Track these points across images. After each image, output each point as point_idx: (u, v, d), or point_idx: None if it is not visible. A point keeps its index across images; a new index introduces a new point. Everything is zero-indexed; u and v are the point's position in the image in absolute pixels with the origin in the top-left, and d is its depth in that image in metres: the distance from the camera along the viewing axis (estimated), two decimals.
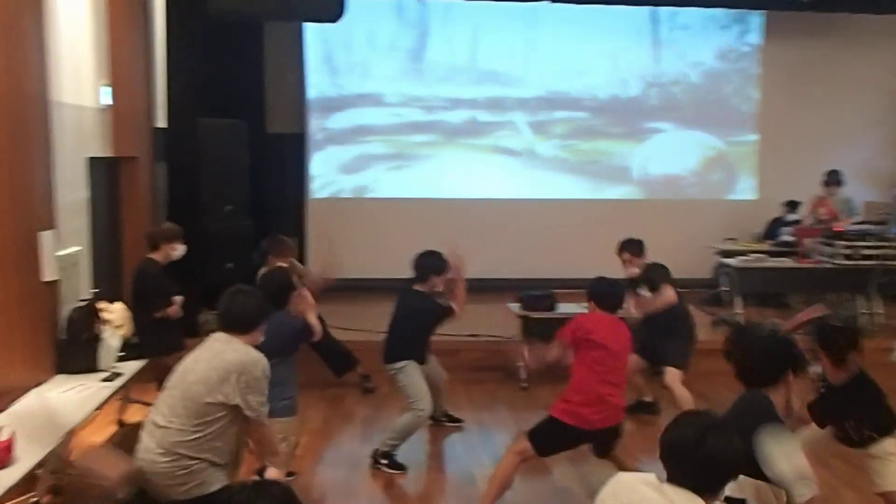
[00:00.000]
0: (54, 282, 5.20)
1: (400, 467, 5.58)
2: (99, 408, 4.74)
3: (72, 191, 5.97)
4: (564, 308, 7.44)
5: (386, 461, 5.59)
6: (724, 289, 9.29)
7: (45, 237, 5.04)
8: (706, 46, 11.12)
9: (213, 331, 3.76)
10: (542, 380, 7.17)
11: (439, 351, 6.37)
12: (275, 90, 10.20)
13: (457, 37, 10.69)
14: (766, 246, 9.79)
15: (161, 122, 8.10)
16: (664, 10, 10.81)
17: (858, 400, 4.17)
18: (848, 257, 8.64)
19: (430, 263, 5.83)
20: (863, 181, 10.73)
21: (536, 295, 7.67)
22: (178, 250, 5.92)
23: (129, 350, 5.53)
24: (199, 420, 3.49)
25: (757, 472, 3.12)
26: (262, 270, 6.13)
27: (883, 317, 8.90)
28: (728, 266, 9.12)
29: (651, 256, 6.81)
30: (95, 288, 6.24)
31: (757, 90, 11.22)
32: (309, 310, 4.74)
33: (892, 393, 4.31)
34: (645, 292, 6.37)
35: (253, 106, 9.68)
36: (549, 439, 4.68)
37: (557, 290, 7.85)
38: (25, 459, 3.70)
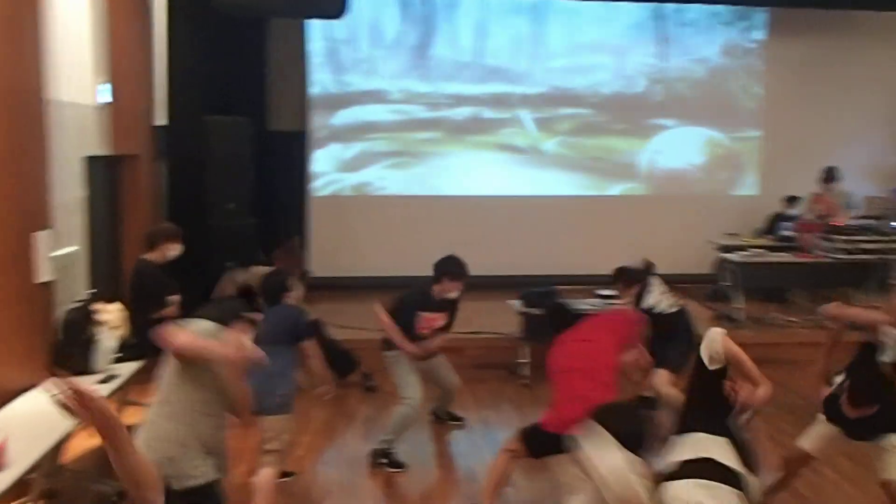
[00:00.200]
0: (49, 282, 5.16)
1: (400, 465, 5.56)
2: None
3: (69, 190, 5.95)
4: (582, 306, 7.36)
5: (385, 459, 5.57)
6: (725, 284, 9.27)
7: (40, 237, 5.00)
8: (711, 43, 11.10)
9: None
10: (545, 377, 7.12)
11: (442, 349, 6.34)
12: (277, 87, 10.18)
13: (461, 33, 10.68)
14: (766, 241, 9.79)
15: (162, 119, 8.08)
16: (669, 7, 10.79)
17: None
18: (847, 252, 8.64)
19: (446, 266, 5.68)
20: (864, 177, 10.73)
21: (537, 292, 7.63)
22: (175, 250, 5.91)
23: (126, 351, 5.49)
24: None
25: None
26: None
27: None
28: (729, 261, 9.11)
29: (654, 252, 6.79)
30: (93, 288, 6.22)
31: (760, 86, 11.18)
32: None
33: None
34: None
35: (255, 103, 9.65)
36: (540, 443, 4.66)
37: (560, 287, 7.81)
38: (19, 463, 3.66)
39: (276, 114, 10.17)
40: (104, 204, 6.97)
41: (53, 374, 4.45)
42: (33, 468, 3.83)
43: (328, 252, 10.16)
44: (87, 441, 5.29)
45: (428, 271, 5.66)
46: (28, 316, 4.92)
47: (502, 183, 10.79)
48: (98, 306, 5.46)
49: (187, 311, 6.17)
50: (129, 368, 5.35)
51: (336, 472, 5.54)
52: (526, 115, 10.86)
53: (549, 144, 10.93)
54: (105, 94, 6.78)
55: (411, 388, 5.65)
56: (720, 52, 11.13)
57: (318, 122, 10.51)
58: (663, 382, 6.17)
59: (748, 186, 11.33)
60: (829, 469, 5.33)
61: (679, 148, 11.18)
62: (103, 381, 5.01)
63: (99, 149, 6.70)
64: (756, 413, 3.70)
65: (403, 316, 5.67)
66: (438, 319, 5.75)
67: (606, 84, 10.96)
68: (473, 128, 10.76)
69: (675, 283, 6.74)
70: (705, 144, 11.26)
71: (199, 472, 3.37)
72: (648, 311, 6.06)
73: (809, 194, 10.02)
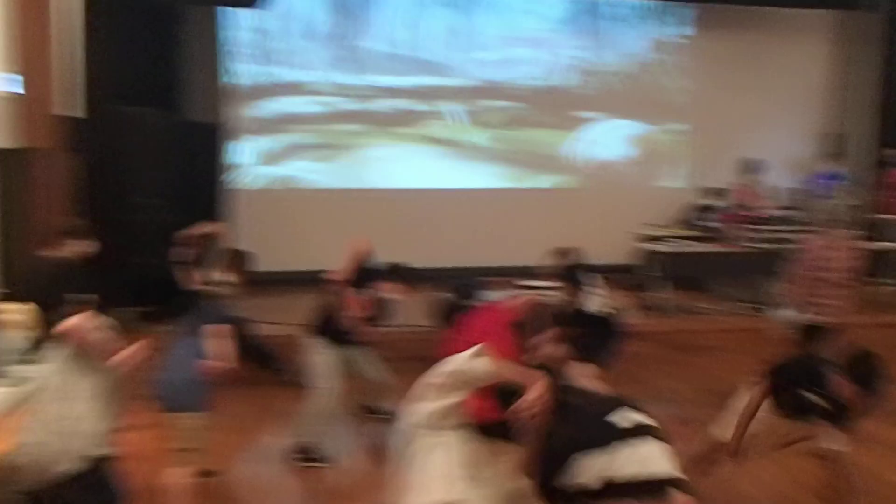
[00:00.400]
0: None
1: (321, 460, 5.46)
2: None
3: None
4: (492, 296, 7.37)
5: (302, 454, 5.46)
6: (652, 274, 9.41)
7: None
8: (640, 38, 11.23)
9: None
10: None
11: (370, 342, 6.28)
12: (195, 78, 9.89)
13: (390, 24, 10.57)
14: (692, 232, 9.98)
15: (77, 111, 7.83)
16: (599, 2, 10.89)
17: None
18: (768, 241, 8.85)
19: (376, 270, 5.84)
20: (786, 168, 10.96)
21: (463, 284, 7.60)
22: (83, 246, 5.69)
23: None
24: None
25: None
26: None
27: None
28: (657, 252, 9.25)
29: (583, 243, 6.84)
30: (6, 287, 5.98)
31: (688, 81, 11.35)
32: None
33: None
34: None
35: (173, 94, 9.39)
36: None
37: (486, 279, 7.80)
38: None
39: (196, 105, 9.89)
40: (15, 199, 6.72)
41: None
42: None
43: (251, 246, 9.91)
44: None
45: None
46: None
47: (431, 176, 10.74)
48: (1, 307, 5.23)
49: (104, 307, 6.05)
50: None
51: (258, 469, 5.44)
52: (455, 108, 10.82)
53: (479, 137, 10.92)
54: (14, 86, 6.54)
55: (328, 378, 5.59)
56: (649, 47, 11.26)
57: (239, 113, 10.27)
58: (587, 375, 6.21)
59: (676, 178, 11.49)
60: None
61: (608, 141, 11.27)
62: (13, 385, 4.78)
63: (8, 141, 6.45)
64: None
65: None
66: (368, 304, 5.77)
67: (537, 77, 10.98)
68: (402, 120, 10.68)
69: (604, 273, 6.82)
70: (634, 138, 11.38)
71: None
72: (582, 310, 6.12)
73: (734, 185, 10.25)
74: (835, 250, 6.31)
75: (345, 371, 5.71)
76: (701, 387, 5.80)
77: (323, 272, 6.01)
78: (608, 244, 9.62)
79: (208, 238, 6.43)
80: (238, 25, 10.15)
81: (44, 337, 5.32)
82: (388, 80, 10.60)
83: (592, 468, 2.73)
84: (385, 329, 6.91)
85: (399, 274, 5.86)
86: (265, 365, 7.06)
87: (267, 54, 10.29)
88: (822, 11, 11.24)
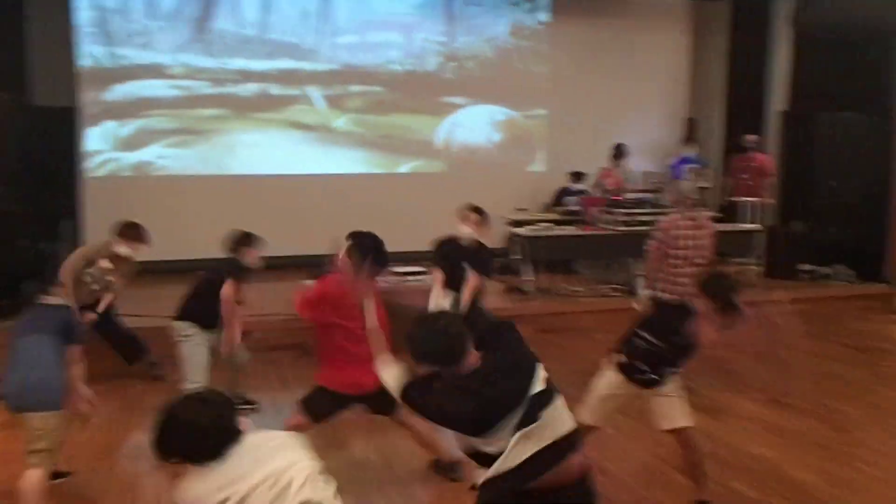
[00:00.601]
0: None
1: None
2: None
3: None
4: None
5: None
6: (515, 257, 9.57)
7: None
8: (498, 23, 11.34)
9: None
10: None
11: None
12: (45, 60, 9.36)
13: (245, 5, 10.29)
14: (553, 215, 10.19)
15: None
16: None
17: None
18: (626, 224, 9.14)
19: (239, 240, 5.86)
20: (643, 153, 11.33)
21: (323, 269, 7.52)
22: None
23: None
24: None
25: None
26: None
27: None
28: (518, 235, 9.40)
29: (449, 229, 6.86)
30: None
31: (546, 66, 11.55)
32: None
33: None
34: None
35: (20, 77, 8.86)
36: (320, 405, 4.70)
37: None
38: None
39: (43, 89, 9.35)
40: None
41: None
42: None
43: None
44: None
45: (215, 253, 5.53)
46: None
47: (292, 161, 10.54)
48: None
49: None
50: None
51: (121, 467, 5.19)
52: (315, 92, 10.64)
53: (340, 122, 10.79)
54: None
55: (201, 373, 5.47)
56: (508, 32, 11.40)
57: (91, 97, 9.77)
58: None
59: (537, 163, 11.71)
60: (609, 428, 5.56)
61: (471, 125, 11.37)
62: None
63: None
64: None
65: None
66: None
67: (397, 61, 10.94)
68: (261, 105, 10.43)
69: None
70: (496, 122, 11.51)
71: None
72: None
73: (599, 170, 10.54)
74: (691, 231, 6.57)
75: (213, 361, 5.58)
76: (569, 368, 5.90)
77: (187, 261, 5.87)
78: None
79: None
80: (90, 5, 9.64)
81: None
82: (246, 63, 10.31)
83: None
84: (249, 318, 6.78)
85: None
86: (134, 359, 6.84)
87: (121, 36, 9.82)
88: None
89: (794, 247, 10.77)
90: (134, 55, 9.88)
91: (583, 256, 10.05)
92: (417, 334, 3.04)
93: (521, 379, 2.98)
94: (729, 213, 10.39)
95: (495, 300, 7.83)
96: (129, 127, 9.98)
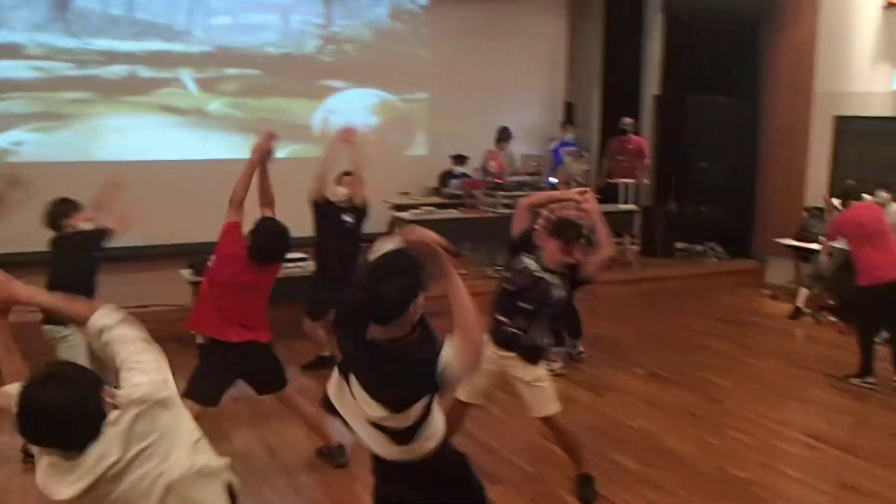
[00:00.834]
0: None
1: None
2: None
3: None
4: None
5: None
6: None
7: None
8: (377, 5, 11.19)
9: None
10: None
11: None
12: None
13: None
14: (436, 199, 10.19)
15: None
16: None
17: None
18: (507, 206, 9.22)
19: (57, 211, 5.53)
20: (523, 137, 11.44)
21: (201, 261, 7.28)
22: None
23: None
24: None
25: None
26: None
27: None
28: (401, 220, 9.35)
29: None
30: None
31: (426, 50, 11.49)
32: None
33: None
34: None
35: None
36: (204, 382, 4.73)
37: None
38: None
39: None
40: None
41: None
42: None
43: None
44: None
45: None
46: None
47: (165, 146, 10.09)
48: None
49: None
50: None
51: None
52: (188, 75, 10.26)
53: (215, 106, 10.44)
54: None
55: None
56: (387, 16, 11.27)
57: None
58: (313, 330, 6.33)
59: (418, 146, 11.65)
60: (496, 408, 5.58)
61: (351, 109, 11.13)
62: None
63: None
64: None
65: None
66: None
67: (274, 44, 10.65)
68: (129, 88, 9.94)
69: (366, 242, 6.74)
70: (376, 106, 11.38)
71: None
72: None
73: (484, 153, 10.57)
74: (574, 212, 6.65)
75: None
76: None
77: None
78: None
79: None
80: None
81: None
82: (113, 44, 9.82)
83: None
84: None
85: None
86: None
87: None
88: None
89: (668, 226, 11.12)
90: None
91: (466, 239, 10.08)
92: None
93: None
94: (607, 194, 10.60)
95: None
96: None
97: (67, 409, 2.24)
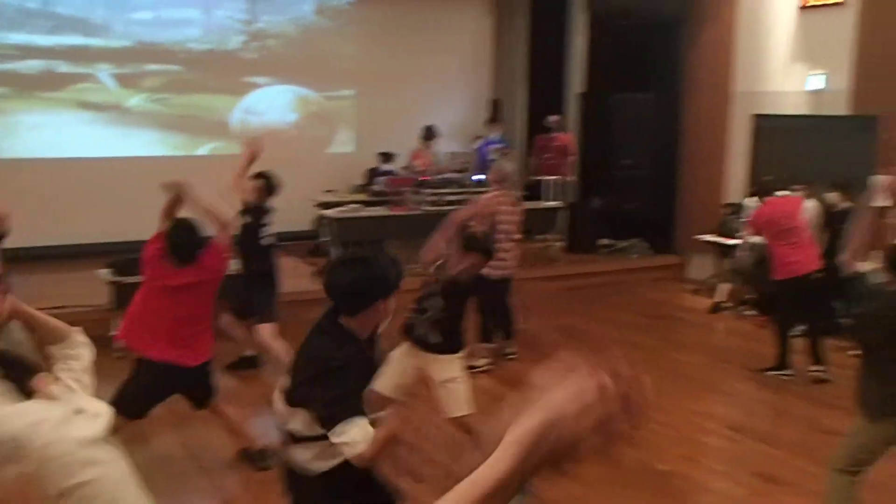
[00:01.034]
0: None
1: None
2: None
3: None
4: None
5: None
6: (324, 239, 9.44)
7: None
8: (304, 2, 11.09)
9: None
10: None
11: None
12: None
13: None
14: (362, 196, 10.14)
15: None
16: None
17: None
18: (434, 204, 9.24)
19: None
20: (449, 134, 11.46)
21: (132, 259, 7.10)
22: None
23: None
24: None
25: None
26: None
27: None
28: (327, 217, 9.29)
29: None
30: None
31: (352, 47, 11.41)
32: None
33: None
34: None
35: None
36: (134, 400, 4.58)
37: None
38: None
39: None
40: None
41: None
42: None
43: None
44: None
45: None
46: None
47: (82, 144, 9.84)
48: None
49: None
50: None
51: None
52: (106, 71, 10.01)
53: (134, 102, 10.22)
54: None
55: None
56: (313, 12, 11.17)
57: None
58: (267, 337, 6.16)
59: (344, 144, 11.57)
60: (419, 402, 5.56)
61: (274, 106, 11.05)
62: None
63: None
64: None
65: None
66: None
67: (196, 40, 10.48)
68: (46, 83, 9.68)
69: (288, 240, 6.71)
70: (300, 103, 11.27)
71: None
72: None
73: (410, 151, 10.57)
74: (509, 209, 6.76)
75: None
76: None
77: None
78: (289, 211, 9.49)
79: None
80: None
81: None
82: (28, 38, 9.56)
83: None
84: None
85: None
86: None
87: None
88: None
89: (593, 222, 11.25)
90: None
91: (393, 237, 10.05)
92: None
93: None
94: (533, 191, 10.68)
95: (306, 283, 7.69)
96: None
97: None
